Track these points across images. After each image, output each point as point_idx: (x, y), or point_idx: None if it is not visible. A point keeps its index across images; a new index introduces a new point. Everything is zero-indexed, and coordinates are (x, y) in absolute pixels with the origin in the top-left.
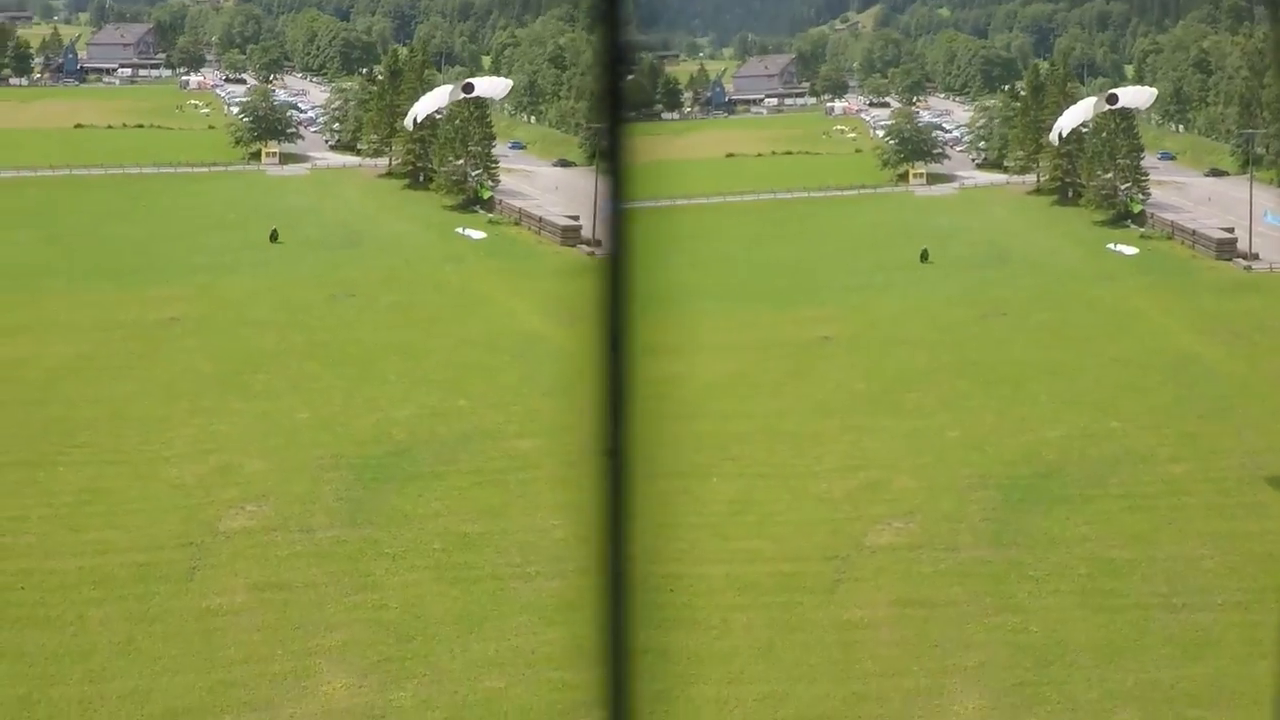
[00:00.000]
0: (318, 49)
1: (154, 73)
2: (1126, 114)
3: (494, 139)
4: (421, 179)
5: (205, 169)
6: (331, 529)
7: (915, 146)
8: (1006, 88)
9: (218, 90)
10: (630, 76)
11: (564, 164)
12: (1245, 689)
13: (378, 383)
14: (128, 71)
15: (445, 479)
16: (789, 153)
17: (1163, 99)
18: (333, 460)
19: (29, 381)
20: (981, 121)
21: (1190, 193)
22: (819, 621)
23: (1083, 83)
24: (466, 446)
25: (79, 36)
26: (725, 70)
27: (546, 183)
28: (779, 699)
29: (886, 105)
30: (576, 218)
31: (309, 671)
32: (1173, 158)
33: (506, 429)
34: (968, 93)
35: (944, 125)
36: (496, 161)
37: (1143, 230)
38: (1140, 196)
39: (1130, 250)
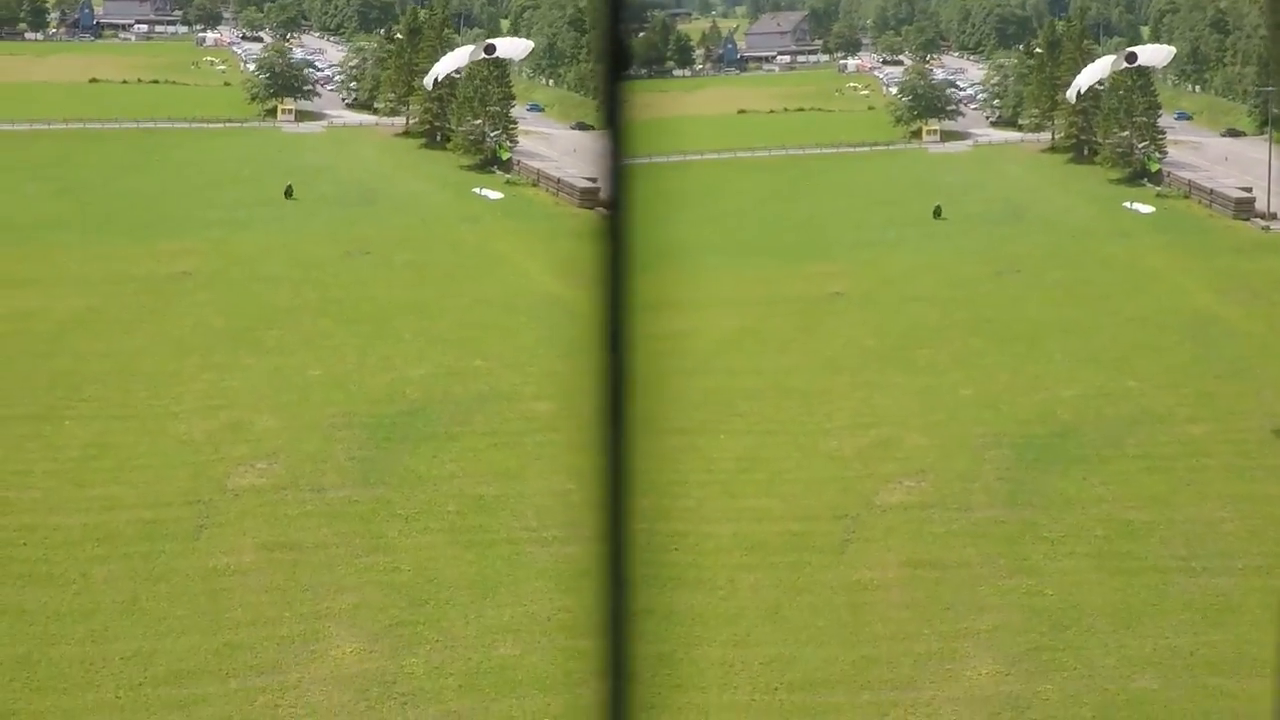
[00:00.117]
0: (335, 8)
1: (170, 29)
2: (1144, 72)
3: (513, 99)
4: (439, 138)
5: (220, 125)
6: (343, 489)
7: (929, 103)
8: (1021, 46)
9: (234, 48)
10: (636, 31)
11: (582, 127)
12: (1267, 656)
13: (392, 341)
14: (144, 28)
15: (460, 440)
16: (801, 109)
17: (1179, 59)
18: (345, 418)
19: (37, 334)
20: (996, 79)
21: (1207, 152)
22: (828, 582)
23: (1098, 43)
24: (482, 407)
25: None
26: (737, 27)
27: (565, 145)
28: (786, 662)
29: (900, 63)
30: (595, 179)
31: (318, 635)
32: (1189, 118)
33: (524, 390)
34: (982, 51)
35: (958, 83)
36: (515, 122)
37: (1159, 189)
38: (1157, 155)
39: (1146, 208)
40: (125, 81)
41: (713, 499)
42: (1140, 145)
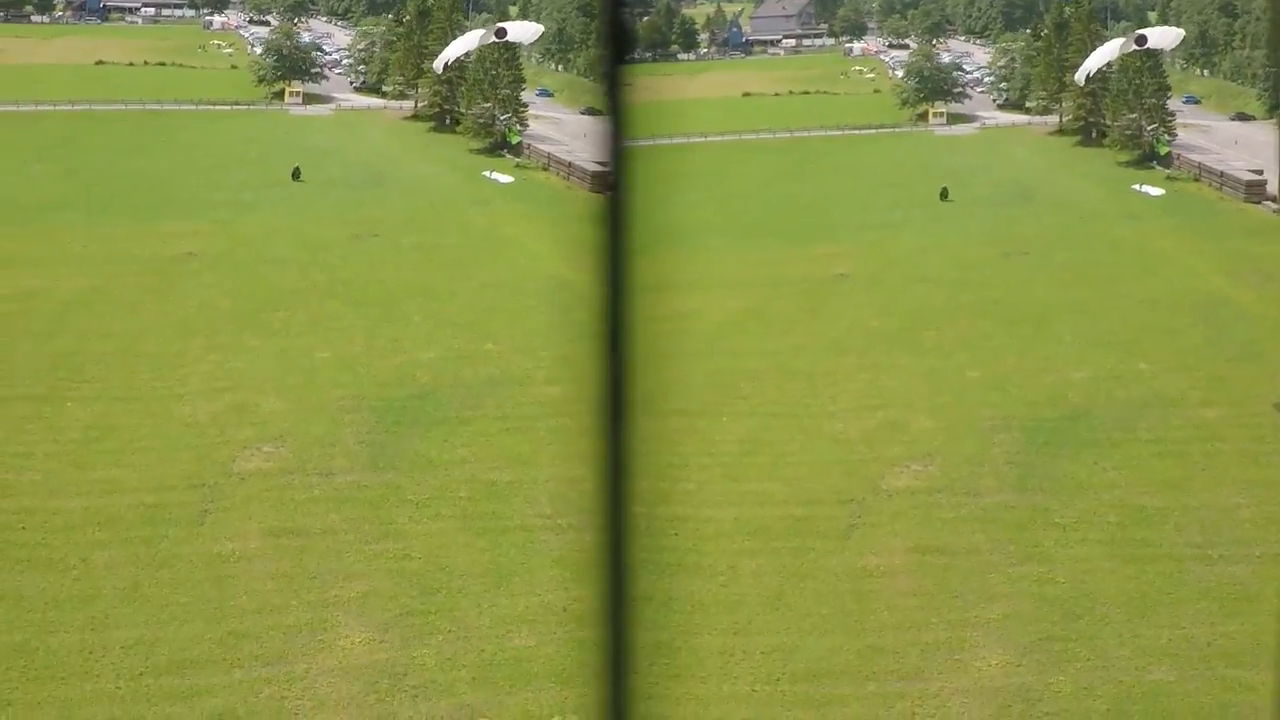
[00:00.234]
0: None
1: (177, 12)
2: (1153, 54)
3: (524, 83)
4: (448, 122)
5: (227, 107)
6: (352, 473)
7: (935, 85)
8: (1028, 29)
9: (241, 31)
10: (641, 15)
11: (591, 112)
12: None
13: (401, 323)
14: (151, 11)
15: (471, 424)
16: (806, 92)
17: (1187, 42)
18: (354, 402)
19: (39, 314)
20: (1003, 61)
21: (1216, 136)
22: (832, 569)
23: (1105, 27)
24: (494, 391)
25: None
26: (742, 11)
27: (574, 130)
28: (788, 651)
29: (906, 47)
30: (605, 163)
31: (326, 624)
32: (1197, 101)
33: (535, 374)
34: (988, 35)
35: (964, 66)
36: (525, 106)
37: (1169, 171)
38: (1166, 137)
39: (1156, 191)
40: (132, 64)
41: (714, 482)
42: (1149, 128)
